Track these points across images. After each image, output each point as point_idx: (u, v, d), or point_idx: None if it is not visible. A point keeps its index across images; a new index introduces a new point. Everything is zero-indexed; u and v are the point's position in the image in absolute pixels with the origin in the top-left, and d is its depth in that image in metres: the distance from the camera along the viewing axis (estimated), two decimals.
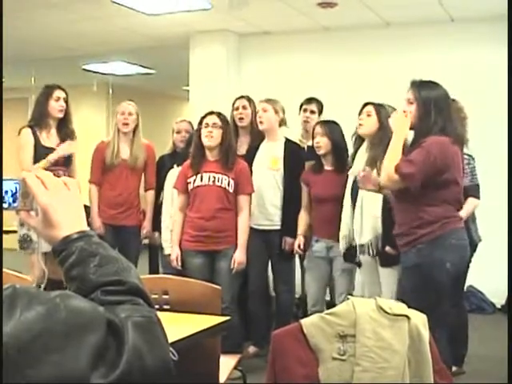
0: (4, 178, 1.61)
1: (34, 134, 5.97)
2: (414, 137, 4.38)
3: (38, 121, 6.03)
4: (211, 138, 5.49)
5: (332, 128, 5.71)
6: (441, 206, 4.27)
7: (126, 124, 6.37)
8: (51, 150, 5.96)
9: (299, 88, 7.81)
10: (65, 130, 6.16)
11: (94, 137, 6.53)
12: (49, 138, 6.04)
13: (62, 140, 6.07)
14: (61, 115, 6.12)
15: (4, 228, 6.14)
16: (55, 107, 6.07)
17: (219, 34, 8.81)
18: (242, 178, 5.61)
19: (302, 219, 5.85)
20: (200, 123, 5.60)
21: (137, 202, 6.52)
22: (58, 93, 6.11)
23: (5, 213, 1.63)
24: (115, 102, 6.67)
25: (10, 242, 6.28)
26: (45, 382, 1.11)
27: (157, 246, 6.51)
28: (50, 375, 1.11)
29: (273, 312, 6.32)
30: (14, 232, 6.06)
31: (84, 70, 11.50)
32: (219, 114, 5.60)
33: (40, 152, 5.92)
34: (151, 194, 6.56)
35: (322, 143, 5.65)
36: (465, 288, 7.69)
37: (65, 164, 6.06)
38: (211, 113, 5.62)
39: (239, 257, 5.56)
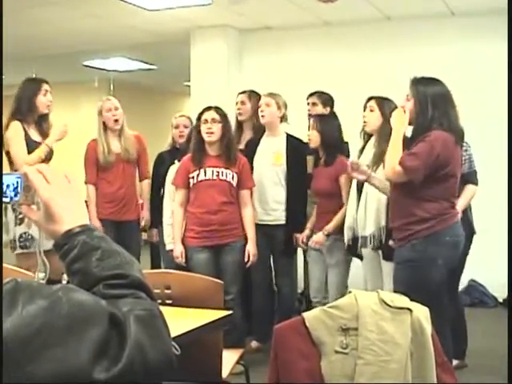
0: (4, 172, 1.61)
1: (23, 128, 5.79)
2: (413, 132, 4.42)
3: (26, 115, 5.83)
4: (212, 134, 5.50)
5: (324, 122, 5.75)
6: (437, 202, 4.30)
7: (116, 120, 6.33)
8: (39, 144, 5.82)
9: (300, 83, 7.81)
10: (46, 124, 6.00)
11: (95, 133, 6.50)
12: (34, 132, 5.88)
13: (42, 135, 5.91)
14: (47, 110, 5.96)
15: None
16: (44, 102, 5.91)
17: (220, 29, 8.80)
18: (245, 173, 5.65)
19: (312, 214, 5.93)
20: (198, 119, 5.60)
21: (135, 195, 6.55)
22: (46, 87, 5.94)
23: None
24: (116, 98, 6.63)
25: None
26: (46, 377, 1.11)
27: (157, 242, 6.53)
28: (51, 369, 1.12)
29: (275, 307, 6.33)
30: None
31: (85, 66, 11.50)
32: (217, 109, 5.59)
33: (31, 146, 5.77)
34: (146, 183, 6.61)
35: (313, 137, 5.72)
36: (466, 282, 7.74)
37: (50, 157, 5.97)
38: (209, 108, 5.61)
39: (253, 249, 5.64)
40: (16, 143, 5.74)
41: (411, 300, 2.74)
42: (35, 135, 5.87)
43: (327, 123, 5.77)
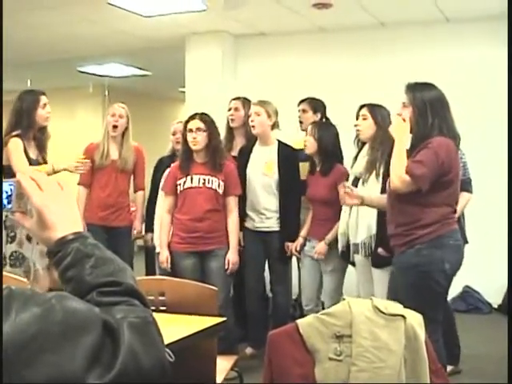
0: None
1: (23, 144, 5.63)
2: (413, 140, 4.39)
3: (26, 130, 5.67)
4: (196, 143, 5.52)
5: (321, 129, 5.73)
6: (441, 207, 4.28)
7: (116, 127, 6.33)
8: (35, 161, 5.71)
9: (295, 89, 7.82)
10: (43, 136, 5.88)
11: (90, 138, 6.51)
12: (32, 148, 5.76)
13: (40, 148, 5.82)
14: (47, 123, 5.83)
15: None
16: (43, 115, 5.77)
17: (215, 35, 8.81)
18: (231, 180, 5.66)
19: (305, 221, 5.91)
20: (185, 128, 5.63)
21: (127, 203, 6.54)
22: (44, 99, 5.78)
23: None
24: (111, 103, 6.66)
25: None
26: (41, 382, 1.11)
27: (152, 247, 6.54)
28: (45, 376, 1.12)
29: (269, 313, 6.33)
30: None
31: (80, 71, 11.49)
32: (202, 117, 5.60)
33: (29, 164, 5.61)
34: (141, 195, 6.64)
35: (309, 143, 5.70)
36: (461, 288, 7.75)
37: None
38: (193, 117, 5.63)
39: (233, 257, 5.63)
40: (16, 158, 5.57)
41: (411, 305, 2.74)
42: (33, 151, 5.74)
43: (325, 130, 5.75)
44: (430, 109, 4.28)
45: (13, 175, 4.56)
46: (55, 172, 5.62)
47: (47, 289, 5.27)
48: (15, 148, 5.60)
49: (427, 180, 4.17)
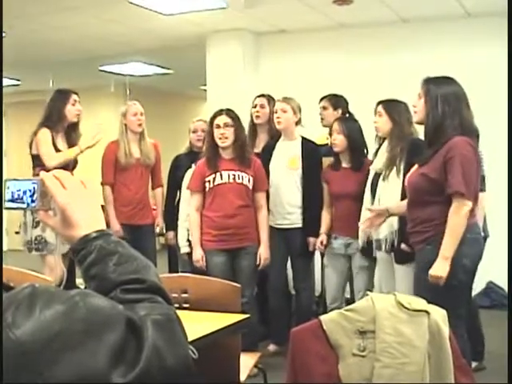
0: (21, 178, 1.62)
1: (52, 135, 5.97)
2: (425, 130, 4.37)
3: (55, 124, 6.01)
4: (225, 139, 5.51)
5: (349, 125, 5.72)
6: None
7: (140, 125, 6.45)
8: None
9: (317, 85, 7.80)
10: (75, 133, 6.18)
11: (112, 137, 6.53)
12: (60, 140, 6.07)
13: (70, 145, 6.07)
14: (76, 119, 6.14)
15: None
16: (72, 111, 6.09)
17: (235, 33, 8.80)
18: (259, 176, 5.66)
19: (324, 217, 5.87)
20: (211, 124, 5.61)
21: (148, 200, 6.64)
22: (74, 97, 6.12)
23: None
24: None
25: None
26: (64, 381, 1.11)
27: (175, 245, 6.55)
28: (69, 374, 1.12)
29: (293, 310, 6.33)
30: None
31: (101, 71, 11.53)
32: (228, 113, 5.59)
33: None
34: (160, 191, 6.75)
35: (338, 141, 5.67)
36: (485, 284, 7.70)
37: (74, 166, 6.12)
38: (220, 112, 5.61)
39: (264, 253, 5.66)
40: (44, 144, 5.92)
41: (434, 302, 2.73)
42: (61, 144, 6.03)
43: (352, 126, 5.75)
44: (441, 100, 4.24)
45: (42, 164, 4.87)
46: (81, 152, 6.03)
47: (59, 277, 5.35)
48: (44, 138, 5.94)
49: (471, 184, 4.15)
